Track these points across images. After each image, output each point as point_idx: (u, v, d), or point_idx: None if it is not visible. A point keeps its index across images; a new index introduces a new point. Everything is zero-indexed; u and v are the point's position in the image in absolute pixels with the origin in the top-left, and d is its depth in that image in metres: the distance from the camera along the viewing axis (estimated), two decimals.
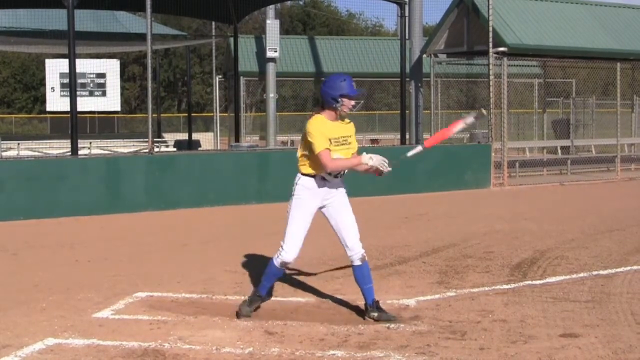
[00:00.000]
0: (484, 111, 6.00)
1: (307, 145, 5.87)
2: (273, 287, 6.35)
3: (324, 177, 5.94)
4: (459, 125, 6.38)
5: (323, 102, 5.92)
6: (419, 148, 6.32)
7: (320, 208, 6.05)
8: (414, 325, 5.86)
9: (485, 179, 16.28)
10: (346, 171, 6.02)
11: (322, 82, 6.04)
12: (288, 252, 6.00)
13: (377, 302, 6.07)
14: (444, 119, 22.21)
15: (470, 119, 6.36)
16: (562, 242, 9.62)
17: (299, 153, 6.02)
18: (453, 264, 8.26)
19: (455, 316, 6.11)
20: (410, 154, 6.25)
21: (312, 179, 5.94)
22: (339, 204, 6.03)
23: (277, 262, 6.08)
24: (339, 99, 5.83)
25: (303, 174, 5.97)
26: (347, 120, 6.03)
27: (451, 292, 6.94)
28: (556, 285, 7.20)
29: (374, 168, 5.88)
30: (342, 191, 6.09)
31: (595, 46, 19.32)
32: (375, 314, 5.98)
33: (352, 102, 5.92)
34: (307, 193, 5.95)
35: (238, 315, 6.11)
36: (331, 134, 5.83)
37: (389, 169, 5.94)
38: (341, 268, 7.84)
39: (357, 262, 6.07)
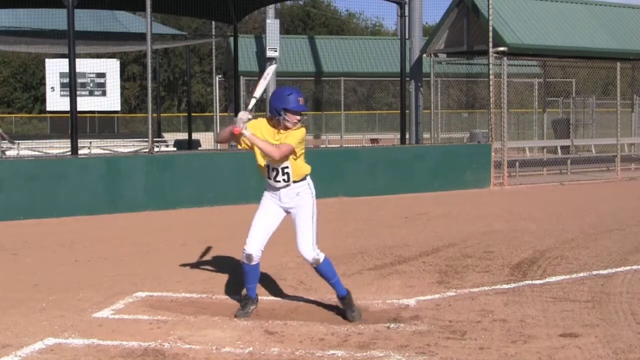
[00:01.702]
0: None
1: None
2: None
3: (269, 182, 6.11)
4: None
5: (270, 111, 6.00)
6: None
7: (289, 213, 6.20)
8: (414, 325, 5.86)
9: (485, 179, 16.28)
10: (288, 181, 6.05)
11: (272, 93, 6.09)
12: (247, 244, 6.18)
13: (348, 297, 6.13)
14: (444, 118, 22.24)
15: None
16: (562, 241, 9.62)
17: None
18: (453, 263, 8.26)
19: (455, 316, 6.11)
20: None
21: (267, 184, 6.17)
22: (296, 210, 6.13)
23: (242, 257, 6.24)
24: (282, 112, 5.90)
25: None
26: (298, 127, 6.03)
27: (451, 292, 6.94)
28: (556, 285, 7.20)
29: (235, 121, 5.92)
30: (303, 197, 6.12)
31: (595, 46, 19.33)
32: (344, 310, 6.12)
33: (297, 117, 5.95)
34: (267, 193, 6.19)
35: (236, 317, 6.14)
36: (264, 134, 5.97)
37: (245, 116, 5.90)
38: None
39: (312, 265, 6.18)
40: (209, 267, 8.13)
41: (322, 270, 6.17)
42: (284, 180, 6.04)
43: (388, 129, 32.78)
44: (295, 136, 5.95)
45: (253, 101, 6.02)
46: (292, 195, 6.09)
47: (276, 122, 5.97)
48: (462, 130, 25.51)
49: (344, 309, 6.12)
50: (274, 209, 6.15)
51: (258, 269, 6.30)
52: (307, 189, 6.13)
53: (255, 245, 6.16)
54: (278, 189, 6.09)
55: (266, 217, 6.15)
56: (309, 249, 6.09)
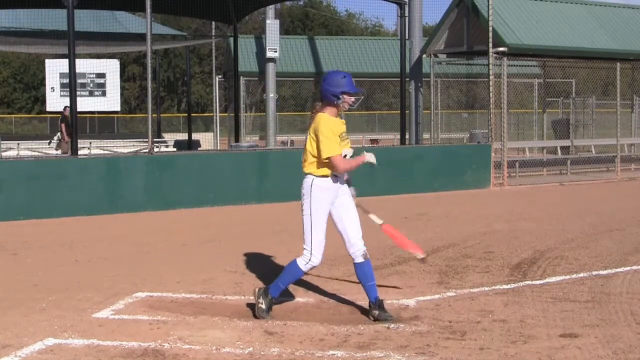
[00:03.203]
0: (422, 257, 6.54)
1: (318, 146, 5.91)
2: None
3: (339, 175, 6.03)
4: (413, 251, 6.70)
5: (322, 99, 5.99)
6: (378, 221, 6.51)
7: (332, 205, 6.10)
8: (414, 325, 5.86)
9: (485, 179, 16.28)
10: None
11: (322, 79, 6.08)
12: (317, 256, 6.03)
13: (381, 300, 6.07)
14: (444, 118, 22.24)
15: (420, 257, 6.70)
16: (562, 242, 9.62)
17: (307, 154, 6.01)
18: (453, 264, 8.26)
19: (455, 316, 6.11)
20: (372, 217, 6.50)
21: (327, 179, 5.98)
22: (345, 201, 6.10)
23: (305, 267, 6.06)
24: (340, 96, 5.89)
25: (317, 176, 5.98)
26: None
27: (451, 292, 6.94)
28: (556, 285, 7.20)
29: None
30: (346, 187, 6.16)
31: (595, 46, 19.33)
32: (376, 312, 5.99)
33: (352, 99, 5.98)
34: (325, 194, 5.99)
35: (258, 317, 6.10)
36: (338, 130, 5.94)
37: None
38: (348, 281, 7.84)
39: (359, 259, 6.08)
40: (209, 267, 8.13)
41: (366, 268, 6.09)
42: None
43: (388, 129, 32.80)
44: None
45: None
46: (341, 186, 6.08)
47: (333, 107, 5.95)
48: (462, 130, 25.51)
49: (377, 312, 5.99)
50: (329, 210, 6.06)
51: None
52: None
53: (322, 256, 6.06)
54: (342, 179, 6.06)
55: (326, 222, 6.03)
56: (361, 240, 6.10)
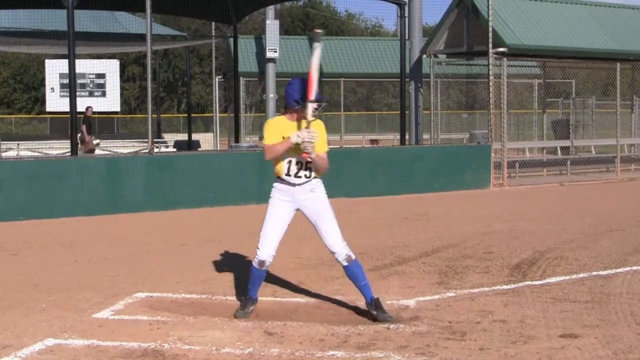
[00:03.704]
0: (317, 30, 6.09)
1: None
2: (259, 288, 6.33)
3: (286, 179, 6.04)
4: (314, 61, 6.07)
5: (285, 104, 6.02)
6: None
7: (301, 210, 6.11)
8: (414, 325, 5.86)
9: (485, 179, 16.28)
10: (312, 173, 6.03)
11: (286, 83, 6.11)
12: (262, 251, 6.09)
13: (377, 299, 6.07)
14: (444, 119, 22.25)
15: (316, 45, 6.03)
16: (562, 242, 9.62)
17: None
18: (453, 264, 8.26)
19: (455, 317, 6.11)
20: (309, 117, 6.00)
21: (280, 182, 6.10)
22: (314, 207, 6.08)
23: (254, 262, 6.15)
24: (300, 102, 5.91)
25: (275, 177, 6.14)
26: (312, 119, 5.94)
27: (451, 293, 6.94)
28: (556, 285, 7.20)
29: (303, 145, 5.83)
30: (318, 194, 6.11)
31: (594, 46, 19.34)
32: (374, 313, 5.99)
33: (314, 105, 5.93)
34: (279, 195, 6.10)
35: (236, 317, 6.13)
36: (287, 132, 5.92)
37: (314, 137, 5.81)
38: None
39: (344, 263, 6.10)
40: (209, 267, 8.13)
41: (354, 269, 6.10)
42: (305, 175, 6.02)
43: (388, 129, 32.77)
44: (324, 132, 6.03)
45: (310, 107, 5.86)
46: (307, 192, 6.05)
47: (294, 114, 5.96)
48: (461, 130, 25.51)
49: (375, 312, 6.00)
50: (286, 210, 6.07)
51: (265, 273, 6.26)
52: (321, 185, 6.12)
53: (269, 251, 6.08)
54: (294, 185, 6.02)
55: (279, 220, 6.06)
56: (340, 244, 6.06)
